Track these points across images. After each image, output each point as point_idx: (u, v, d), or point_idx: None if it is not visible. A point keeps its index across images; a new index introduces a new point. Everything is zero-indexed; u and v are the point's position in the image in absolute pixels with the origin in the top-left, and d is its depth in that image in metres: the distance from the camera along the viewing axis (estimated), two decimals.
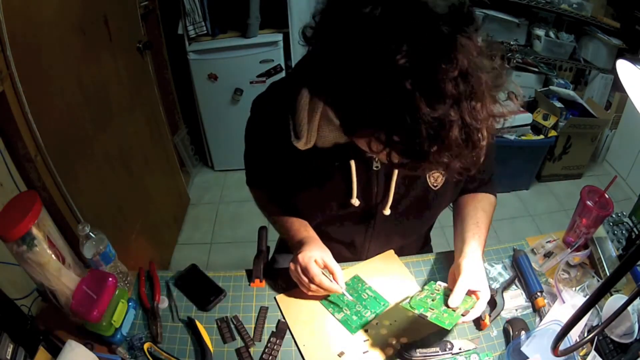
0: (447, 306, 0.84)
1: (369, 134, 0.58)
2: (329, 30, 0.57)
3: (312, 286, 0.88)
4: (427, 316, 0.82)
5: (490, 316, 0.90)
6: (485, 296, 0.85)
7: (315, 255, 0.89)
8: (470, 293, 0.85)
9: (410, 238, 1.08)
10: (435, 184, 0.90)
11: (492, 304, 0.92)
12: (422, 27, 0.50)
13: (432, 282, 0.91)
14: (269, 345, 0.88)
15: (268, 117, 0.86)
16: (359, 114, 0.56)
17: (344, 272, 1.01)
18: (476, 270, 0.86)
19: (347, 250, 1.05)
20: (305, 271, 0.88)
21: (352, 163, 0.83)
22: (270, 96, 0.87)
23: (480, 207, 0.99)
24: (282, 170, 0.90)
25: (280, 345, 0.88)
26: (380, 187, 0.89)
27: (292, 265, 0.91)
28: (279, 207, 1.02)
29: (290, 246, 0.98)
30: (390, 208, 0.90)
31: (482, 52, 0.53)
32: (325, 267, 0.89)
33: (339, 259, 1.05)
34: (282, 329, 0.91)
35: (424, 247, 1.21)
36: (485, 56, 0.53)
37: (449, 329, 0.81)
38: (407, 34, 0.50)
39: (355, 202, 0.88)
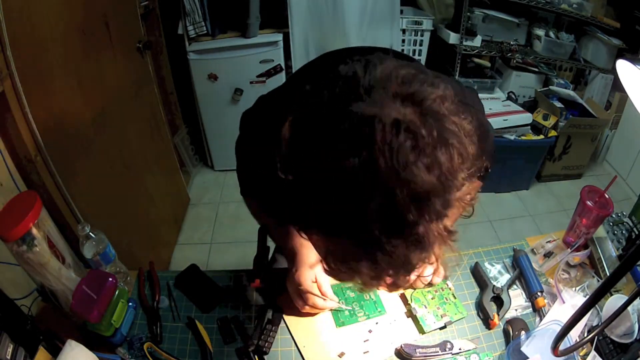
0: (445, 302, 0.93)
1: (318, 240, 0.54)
2: (307, 169, 0.51)
3: (306, 307, 0.89)
4: (417, 313, 0.91)
5: (498, 315, 0.91)
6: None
7: (308, 274, 0.88)
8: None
9: None
10: None
11: (499, 302, 0.93)
12: (395, 206, 0.45)
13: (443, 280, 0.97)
14: (264, 332, 0.88)
15: (256, 143, 0.83)
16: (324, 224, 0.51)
17: None
18: None
19: None
20: (300, 292, 0.89)
21: None
22: (259, 119, 0.85)
23: None
24: (272, 187, 0.88)
25: (276, 332, 0.89)
26: None
27: (288, 287, 0.91)
28: (271, 216, 0.99)
29: (284, 255, 0.98)
30: None
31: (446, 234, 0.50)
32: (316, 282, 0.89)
33: None
34: (277, 315, 0.92)
35: None
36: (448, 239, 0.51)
37: (422, 333, 0.90)
38: (379, 213, 0.45)
39: None
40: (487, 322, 0.91)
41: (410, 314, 0.92)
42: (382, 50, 0.70)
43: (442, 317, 0.91)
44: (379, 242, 0.47)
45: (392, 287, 0.55)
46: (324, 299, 0.88)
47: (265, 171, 0.73)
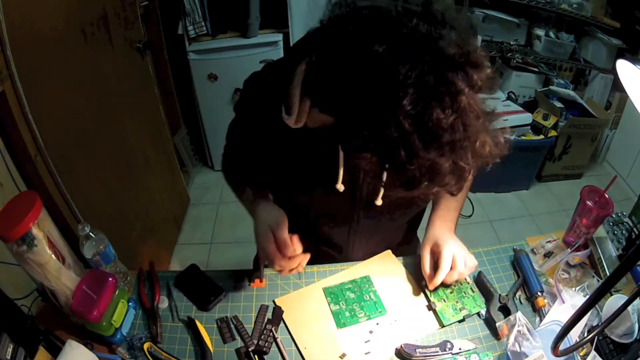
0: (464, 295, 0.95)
1: (366, 157, 0.58)
2: (338, 60, 0.56)
3: (276, 266, 0.85)
4: (436, 307, 0.92)
5: (507, 325, 0.89)
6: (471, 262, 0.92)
7: (266, 234, 0.85)
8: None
9: (394, 236, 1.08)
10: None
11: (506, 311, 0.92)
12: (430, 72, 0.51)
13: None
14: (264, 332, 0.88)
15: (261, 92, 0.88)
16: (360, 140, 0.56)
17: (343, 273, 1.01)
18: (455, 241, 0.93)
19: (332, 250, 1.04)
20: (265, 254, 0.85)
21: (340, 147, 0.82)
22: (265, 74, 0.90)
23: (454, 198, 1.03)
24: (269, 150, 0.89)
25: (276, 332, 0.89)
26: (367, 175, 0.87)
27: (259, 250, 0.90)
28: (252, 184, 1.03)
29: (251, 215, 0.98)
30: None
31: (482, 92, 0.55)
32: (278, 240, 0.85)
33: (325, 258, 1.04)
34: (277, 315, 0.92)
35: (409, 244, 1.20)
36: (484, 94, 0.56)
37: (441, 326, 0.91)
38: (415, 79, 0.50)
39: (340, 187, 0.85)
40: (495, 333, 0.89)
41: (431, 307, 0.93)
42: None
43: (460, 310, 0.92)
44: (440, 165, 0.53)
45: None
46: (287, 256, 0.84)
47: (271, 117, 0.78)
